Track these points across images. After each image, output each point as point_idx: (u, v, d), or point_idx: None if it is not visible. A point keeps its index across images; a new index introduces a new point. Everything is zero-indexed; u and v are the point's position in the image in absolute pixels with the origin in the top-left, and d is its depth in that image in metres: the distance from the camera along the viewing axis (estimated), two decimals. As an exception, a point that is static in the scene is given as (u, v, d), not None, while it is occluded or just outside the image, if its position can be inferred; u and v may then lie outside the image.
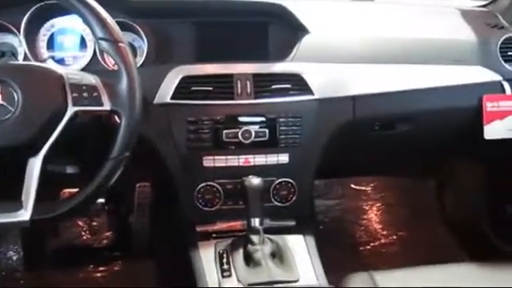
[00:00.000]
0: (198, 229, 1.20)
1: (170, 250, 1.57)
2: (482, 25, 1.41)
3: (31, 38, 1.18)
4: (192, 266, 1.13)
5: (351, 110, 1.22)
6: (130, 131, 0.90)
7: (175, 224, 1.32)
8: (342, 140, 1.23)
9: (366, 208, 2.28)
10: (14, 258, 1.90)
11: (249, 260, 1.08)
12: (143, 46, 1.21)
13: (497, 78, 1.31)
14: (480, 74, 1.32)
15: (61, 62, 1.21)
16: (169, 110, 1.13)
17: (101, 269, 1.84)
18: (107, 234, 1.97)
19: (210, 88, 1.15)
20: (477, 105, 1.29)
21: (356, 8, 1.42)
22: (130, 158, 0.91)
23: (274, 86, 1.17)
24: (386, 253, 2.00)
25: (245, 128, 1.15)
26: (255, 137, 1.15)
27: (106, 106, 0.90)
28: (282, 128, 1.17)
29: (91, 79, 0.92)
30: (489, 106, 1.29)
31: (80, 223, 2.00)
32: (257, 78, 1.16)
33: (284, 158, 1.18)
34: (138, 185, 1.79)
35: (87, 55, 1.21)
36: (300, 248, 1.16)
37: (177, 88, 1.13)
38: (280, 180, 1.19)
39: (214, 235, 1.19)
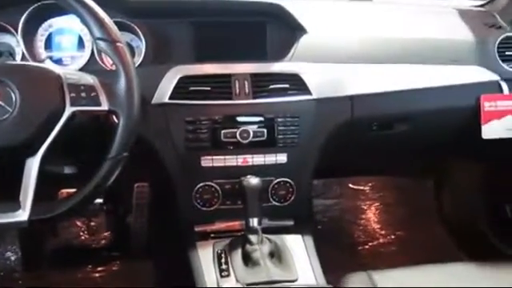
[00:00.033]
0: (197, 229, 1.20)
1: (169, 250, 1.57)
2: (480, 24, 1.41)
3: (29, 38, 1.17)
4: (190, 266, 1.13)
5: (349, 110, 1.22)
6: (128, 131, 0.90)
7: (173, 224, 1.32)
8: (340, 140, 1.23)
9: (365, 208, 2.28)
10: (13, 258, 1.89)
11: (247, 260, 1.08)
12: (141, 45, 1.21)
13: (494, 77, 1.32)
14: (478, 74, 1.32)
15: (59, 62, 1.20)
16: (167, 110, 1.13)
17: (99, 269, 1.84)
18: (105, 234, 1.97)
19: (208, 88, 1.15)
20: (474, 104, 1.30)
21: (354, 8, 1.43)
22: (128, 158, 0.91)
23: (272, 86, 1.17)
24: (384, 252, 2.01)
25: (243, 128, 1.15)
26: (253, 137, 1.15)
27: (104, 106, 0.90)
28: (280, 128, 1.17)
29: (89, 79, 0.92)
30: (486, 105, 1.29)
31: (78, 223, 2.00)
32: (255, 77, 1.16)
33: (282, 158, 1.18)
34: (136, 185, 1.79)
35: (85, 55, 1.21)
36: (298, 248, 1.16)
37: (175, 88, 1.13)
38: (278, 180, 1.19)
39: (212, 235, 1.19)
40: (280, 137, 1.17)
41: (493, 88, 1.31)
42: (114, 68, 0.93)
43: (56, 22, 1.21)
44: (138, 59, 1.20)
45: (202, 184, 1.17)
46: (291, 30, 1.26)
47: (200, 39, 1.25)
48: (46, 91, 0.88)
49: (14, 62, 1.13)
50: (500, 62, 1.33)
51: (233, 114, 1.15)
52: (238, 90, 1.15)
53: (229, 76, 1.16)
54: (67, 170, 1.10)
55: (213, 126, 1.15)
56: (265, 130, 1.16)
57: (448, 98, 1.29)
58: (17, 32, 1.14)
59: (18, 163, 0.86)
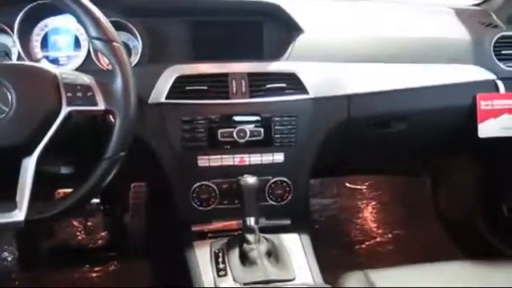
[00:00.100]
0: (194, 228, 1.20)
1: (166, 250, 1.57)
2: (476, 24, 1.42)
3: (25, 38, 1.17)
4: (187, 266, 1.13)
5: (346, 109, 1.22)
6: (125, 131, 0.90)
7: (170, 224, 1.32)
8: (338, 139, 1.23)
9: (362, 207, 2.29)
10: (9, 258, 1.89)
11: (244, 259, 1.08)
12: (138, 45, 1.21)
13: (491, 76, 1.32)
14: (474, 73, 1.32)
15: (55, 61, 1.20)
16: (163, 110, 1.13)
17: (96, 269, 1.84)
18: (102, 234, 1.97)
19: (205, 87, 1.15)
20: (471, 103, 1.30)
21: (351, 7, 1.42)
22: (124, 158, 0.91)
23: (268, 85, 1.17)
24: (381, 251, 2.01)
25: (240, 127, 1.15)
26: (250, 136, 1.15)
27: (101, 105, 0.90)
28: (277, 127, 1.17)
29: (85, 79, 0.92)
30: (483, 104, 1.29)
31: (75, 223, 1.99)
32: (252, 77, 1.16)
33: (279, 157, 1.19)
34: (133, 185, 1.79)
35: (81, 55, 1.20)
36: (295, 247, 1.16)
37: (171, 87, 1.13)
38: (275, 179, 1.19)
39: (209, 235, 1.20)
40: (277, 136, 1.17)
41: (489, 87, 1.31)
42: (110, 68, 0.93)
43: (52, 22, 1.21)
44: (135, 59, 1.20)
45: (198, 183, 1.17)
46: (288, 29, 1.26)
47: (197, 38, 1.25)
48: (43, 91, 0.88)
49: (9, 62, 1.12)
50: (496, 60, 1.33)
51: (230, 113, 1.15)
52: (234, 90, 1.15)
53: (225, 75, 1.16)
54: (64, 170, 1.09)
55: (209, 126, 1.15)
56: (262, 130, 1.16)
57: (445, 97, 1.30)
58: (13, 32, 1.14)
59: (15, 163, 0.86)
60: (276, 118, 1.16)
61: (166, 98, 1.13)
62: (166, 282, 1.61)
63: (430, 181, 2.06)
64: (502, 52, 1.35)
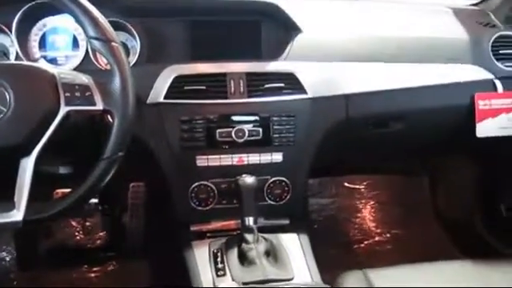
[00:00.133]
0: (192, 228, 1.20)
1: (164, 250, 1.57)
2: (474, 23, 1.42)
3: (23, 38, 1.17)
4: (186, 266, 1.13)
5: (344, 109, 1.23)
6: (123, 131, 0.90)
7: (169, 224, 1.32)
8: (336, 138, 1.23)
9: (360, 206, 2.29)
10: (8, 258, 1.89)
11: (243, 259, 1.08)
12: (136, 45, 1.21)
13: (489, 76, 1.32)
14: (472, 73, 1.32)
15: (53, 61, 1.20)
16: (162, 110, 1.13)
17: (95, 269, 1.84)
18: (101, 234, 1.96)
19: (203, 87, 1.15)
20: (469, 103, 1.30)
21: (349, 7, 1.43)
22: (123, 158, 0.91)
23: (267, 85, 1.17)
24: (379, 251, 2.01)
25: (238, 127, 1.15)
26: (249, 136, 1.15)
27: (99, 105, 0.90)
28: (276, 127, 1.17)
29: (84, 79, 0.92)
30: (481, 104, 1.30)
31: (73, 223, 1.99)
32: (250, 76, 1.16)
33: (278, 157, 1.19)
34: (131, 185, 1.79)
35: (79, 55, 1.20)
36: (294, 246, 1.16)
37: (170, 87, 1.13)
38: (274, 179, 1.19)
39: (208, 234, 1.20)
40: (275, 136, 1.17)
41: (487, 86, 1.32)
42: (108, 67, 0.92)
43: (50, 22, 1.20)
44: (133, 59, 1.19)
45: (197, 183, 1.17)
46: (286, 28, 1.26)
47: (195, 38, 1.25)
48: (41, 91, 0.88)
49: (7, 62, 1.12)
50: (494, 60, 1.34)
51: (228, 113, 1.15)
52: (233, 89, 1.15)
53: (224, 75, 1.16)
54: (62, 170, 1.09)
55: (208, 126, 1.15)
56: (260, 129, 1.16)
57: (443, 96, 1.30)
58: (11, 31, 1.14)
59: (13, 163, 0.85)
60: (274, 118, 1.16)
61: (165, 97, 1.13)
62: (164, 282, 1.61)
63: (428, 180, 2.06)
64: (500, 52, 1.35)
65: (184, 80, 1.14)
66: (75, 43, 1.21)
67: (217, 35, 1.27)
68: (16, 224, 0.85)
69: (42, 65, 0.95)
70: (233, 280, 1.04)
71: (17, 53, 1.15)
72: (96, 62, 1.20)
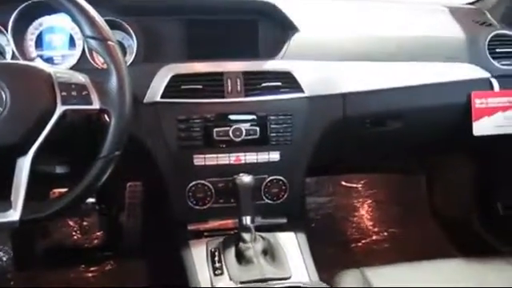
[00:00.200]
0: (190, 227, 1.20)
1: (162, 249, 1.57)
2: (471, 22, 1.42)
3: (19, 37, 1.17)
4: (184, 265, 1.13)
5: (341, 108, 1.23)
6: (120, 130, 0.90)
7: (166, 223, 1.31)
8: (333, 137, 1.24)
9: (357, 205, 2.29)
10: (4, 258, 1.88)
11: (241, 258, 1.08)
12: (133, 44, 1.21)
13: (485, 75, 1.32)
14: (469, 71, 1.32)
15: (49, 60, 1.20)
16: (159, 109, 1.13)
17: (92, 269, 1.83)
18: (98, 233, 1.96)
19: (200, 86, 1.15)
20: (466, 102, 1.30)
21: (346, 6, 1.43)
22: (120, 157, 0.91)
23: (264, 84, 1.17)
24: (377, 249, 2.01)
25: (235, 126, 1.15)
26: (246, 135, 1.15)
27: (96, 104, 0.90)
28: (273, 126, 1.17)
29: (80, 78, 0.92)
30: (477, 102, 1.30)
31: (70, 223, 1.99)
32: (247, 75, 1.16)
33: (275, 156, 1.19)
34: (128, 184, 1.79)
35: (76, 54, 1.20)
36: (292, 245, 1.16)
37: (167, 87, 1.13)
38: (271, 178, 1.20)
39: (205, 234, 1.19)
40: (272, 135, 1.17)
41: (484, 85, 1.32)
42: (105, 67, 0.92)
43: (46, 21, 1.20)
44: (130, 58, 1.19)
45: (194, 182, 1.17)
46: (283, 27, 1.26)
47: (192, 37, 1.25)
48: (37, 90, 0.87)
49: (4, 61, 1.11)
50: (490, 59, 1.34)
51: (225, 112, 1.15)
52: (230, 88, 1.15)
53: (221, 74, 1.16)
54: (59, 170, 1.09)
55: (205, 125, 1.14)
56: (257, 128, 1.16)
57: (440, 95, 1.30)
58: (7, 31, 1.13)
59: (9, 163, 0.85)
60: (271, 117, 1.16)
61: (162, 97, 1.12)
62: (162, 282, 1.61)
63: (426, 179, 2.06)
64: (497, 50, 1.35)
65: (181, 79, 1.14)
66: (72, 42, 1.21)
67: (214, 34, 1.27)
68: (13, 224, 0.85)
69: (39, 64, 0.95)
70: (230, 279, 1.04)
71: (13, 52, 1.15)
72: (92, 61, 1.19)
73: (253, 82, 1.16)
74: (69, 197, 0.89)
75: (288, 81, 1.17)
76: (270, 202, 1.21)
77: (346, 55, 1.26)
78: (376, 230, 2.13)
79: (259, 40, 1.28)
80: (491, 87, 1.32)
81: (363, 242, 2.06)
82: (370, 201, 2.31)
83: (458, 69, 1.32)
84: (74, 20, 0.92)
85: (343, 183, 2.39)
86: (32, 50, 1.19)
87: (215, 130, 1.14)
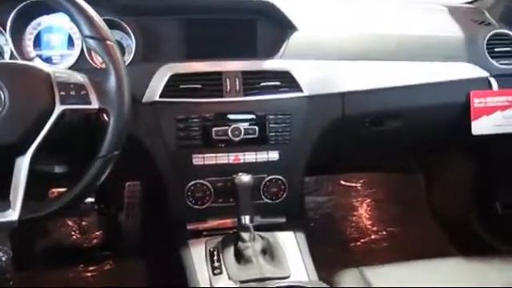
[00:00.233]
0: (189, 227, 1.20)
1: (161, 249, 1.57)
2: (469, 21, 1.42)
3: (17, 37, 1.16)
4: (183, 264, 1.13)
5: (340, 107, 1.23)
6: (119, 130, 0.90)
7: (165, 222, 1.31)
8: (332, 136, 1.24)
9: (356, 204, 2.29)
10: (3, 258, 1.88)
11: (240, 257, 1.08)
12: (131, 44, 1.21)
13: (484, 74, 1.32)
14: (468, 71, 1.32)
15: (48, 60, 1.20)
16: (158, 109, 1.13)
17: (91, 268, 1.83)
18: (97, 233, 1.96)
19: (199, 86, 1.15)
20: (465, 101, 1.30)
21: (344, 5, 1.43)
22: (119, 157, 0.91)
23: (262, 84, 1.17)
24: (376, 249, 2.01)
25: (234, 125, 1.15)
26: (245, 134, 1.15)
27: (94, 104, 0.89)
28: (272, 125, 1.17)
29: (79, 77, 0.92)
30: (476, 102, 1.30)
31: (69, 223, 1.99)
32: (246, 75, 1.16)
33: (274, 155, 1.19)
34: (127, 183, 1.79)
35: (75, 53, 1.20)
36: (291, 245, 1.16)
37: (165, 86, 1.13)
38: (270, 177, 1.20)
39: (204, 233, 1.20)
40: (271, 134, 1.17)
41: (482, 84, 1.32)
42: (103, 66, 0.92)
43: (45, 20, 1.20)
44: (128, 57, 1.19)
45: (193, 182, 1.17)
46: (282, 27, 1.25)
47: (190, 37, 1.25)
48: (36, 90, 0.87)
49: (2, 61, 1.11)
50: (489, 58, 1.34)
51: (224, 111, 1.15)
52: (228, 88, 1.15)
53: (219, 74, 1.16)
54: (58, 169, 1.09)
55: (204, 124, 1.14)
56: (256, 128, 1.16)
57: (439, 94, 1.30)
58: (5, 30, 1.13)
59: (8, 162, 0.85)
60: (270, 116, 1.16)
61: (160, 96, 1.12)
62: (161, 281, 1.61)
63: (424, 178, 2.06)
64: (495, 49, 1.35)
65: (180, 79, 1.14)
66: (70, 42, 1.21)
67: (212, 34, 1.26)
68: (11, 223, 0.85)
69: (37, 64, 0.95)
70: (229, 278, 1.04)
71: (11, 52, 1.14)
72: (91, 61, 1.19)
73: (251, 81, 1.16)
74: (68, 196, 0.89)
75: (287, 80, 1.17)
76: (269, 201, 1.21)
77: (344, 54, 1.26)
78: (375, 229, 2.13)
79: (258, 39, 1.27)
80: (490, 86, 1.32)
81: (362, 241, 2.06)
82: (368, 200, 2.31)
83: (456, 68, 1.32)
84: (73, 19, 0.92)
85: (342, 182, 2.40)
86: (30, 50, 1.19)
87: (214, 129, 1.14)
